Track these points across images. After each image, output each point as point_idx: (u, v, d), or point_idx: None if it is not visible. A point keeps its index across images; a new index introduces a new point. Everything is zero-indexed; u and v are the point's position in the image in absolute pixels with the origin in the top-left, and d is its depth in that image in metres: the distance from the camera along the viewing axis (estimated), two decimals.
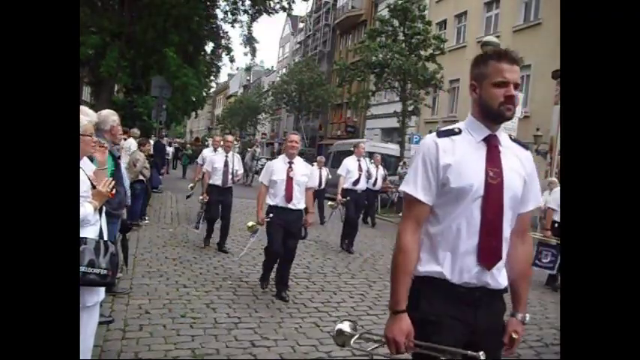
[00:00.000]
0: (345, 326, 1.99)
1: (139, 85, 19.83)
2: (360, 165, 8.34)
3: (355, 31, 33.46)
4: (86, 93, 20.25)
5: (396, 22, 18.02)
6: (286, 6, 15.62)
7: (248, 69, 49.06)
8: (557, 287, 6.96)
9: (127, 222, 4.83)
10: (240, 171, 7.58)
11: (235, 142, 11.51)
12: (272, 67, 60.92)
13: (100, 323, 3.53)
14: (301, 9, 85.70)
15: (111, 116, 4.18)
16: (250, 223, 5.71)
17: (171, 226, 8.95)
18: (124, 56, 13.73)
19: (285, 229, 5.09)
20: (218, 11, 16.64)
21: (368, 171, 8.56)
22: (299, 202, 5.16)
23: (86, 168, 2.81)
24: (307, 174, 5.28)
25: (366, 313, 4.95)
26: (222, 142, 7.98)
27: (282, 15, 20.81)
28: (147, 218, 9.09)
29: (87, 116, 2.74)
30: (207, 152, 9.31)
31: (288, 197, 5.05)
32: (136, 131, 10.26)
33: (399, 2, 17.80)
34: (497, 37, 15.60)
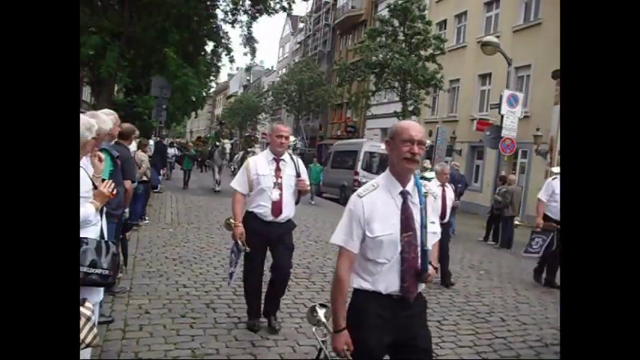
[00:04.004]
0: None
1: (139, 85, 19.84)
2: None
3: (355, 31, 33.44)
4: (86, 93, 20.27)
5: (396, 22, 18.03)
6: (286, 6, 15.59)
7: (248, 69, 49.04)
8: (542, 280, 6.98)
9: (127, 222, 4.84)
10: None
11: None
12: (272, 67, 60.92)
13: (100, 323, 3.54)
14: (301, 9, 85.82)
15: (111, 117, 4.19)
16: None
17: (171, 226, 8.94)
18: (124, 56, 13.74)
19: None
20: (218, 11, 16.65)
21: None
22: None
23: (88, 169, 2.83)
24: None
25: None
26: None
27: (282, 15, 20.81)
28: (147, 218, 9.08)
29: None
30: (260, 163, 4.16)
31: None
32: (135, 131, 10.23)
33: (399, 2, 17.80)
34: (497, 37, 15.61)
